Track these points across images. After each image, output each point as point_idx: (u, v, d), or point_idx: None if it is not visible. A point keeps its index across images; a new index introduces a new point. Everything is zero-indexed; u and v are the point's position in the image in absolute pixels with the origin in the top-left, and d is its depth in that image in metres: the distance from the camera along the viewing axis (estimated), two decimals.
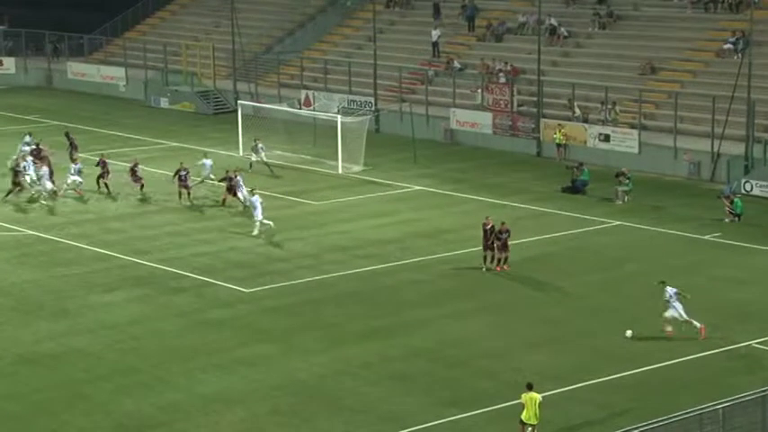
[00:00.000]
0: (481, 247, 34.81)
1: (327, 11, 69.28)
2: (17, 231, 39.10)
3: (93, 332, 29.79)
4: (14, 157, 45.31)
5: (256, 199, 38.62)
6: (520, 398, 23.67)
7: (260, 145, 47.45)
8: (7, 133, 56.77)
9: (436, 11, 62.91)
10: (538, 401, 23.44)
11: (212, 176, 43.61)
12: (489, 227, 34.71)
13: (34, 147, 46.27)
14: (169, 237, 38.57)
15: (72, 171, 43.49)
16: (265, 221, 38.47)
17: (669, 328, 29.13)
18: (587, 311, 31.45)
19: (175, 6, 76.07)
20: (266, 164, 47.01)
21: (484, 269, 34.49)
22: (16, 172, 43.00)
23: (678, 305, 29.08)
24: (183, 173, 42.39)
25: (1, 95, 68.48)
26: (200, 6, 74.79)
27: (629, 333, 29.24)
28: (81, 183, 43.40)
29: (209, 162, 44.21)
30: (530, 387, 23.70)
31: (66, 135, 48.83)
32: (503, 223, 34.98)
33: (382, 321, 30.69)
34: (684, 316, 29.08)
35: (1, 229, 39.10)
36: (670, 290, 29.22)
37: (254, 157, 47.25)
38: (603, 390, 26.27)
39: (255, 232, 38.27)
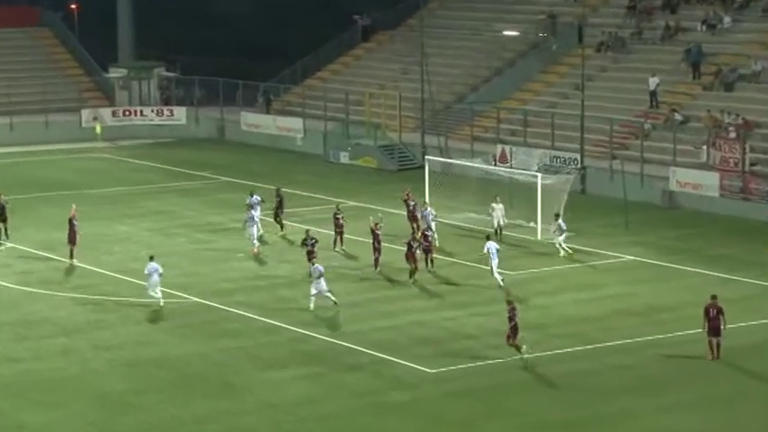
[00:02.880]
0: (703, 330, 34.13)
1: (529, 56, 69.74)
2: (182, 299, 40.65)
3: (259, 412, 30.57)
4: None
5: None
6: None
7: (493, 204, 47.73)
8: (177, 189, 59.23)
9: (691, 62, 61.01)
10: None
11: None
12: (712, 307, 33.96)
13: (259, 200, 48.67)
14: (345, 307, 39.35)
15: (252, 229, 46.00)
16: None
17: None
18: None
19: (360, 51, 78.00)
20: (499, 229, 47.50)
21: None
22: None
23: None
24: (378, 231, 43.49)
25: (170, 149, 71.50)
26: (386, 51, 76.46)
27: None
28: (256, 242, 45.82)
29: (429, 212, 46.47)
30: None
31: (277, 191, 50.27)
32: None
33: (582, 411, 30.53)
34: None
35: (164, 296, 40.68)
36: None
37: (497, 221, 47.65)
38: None
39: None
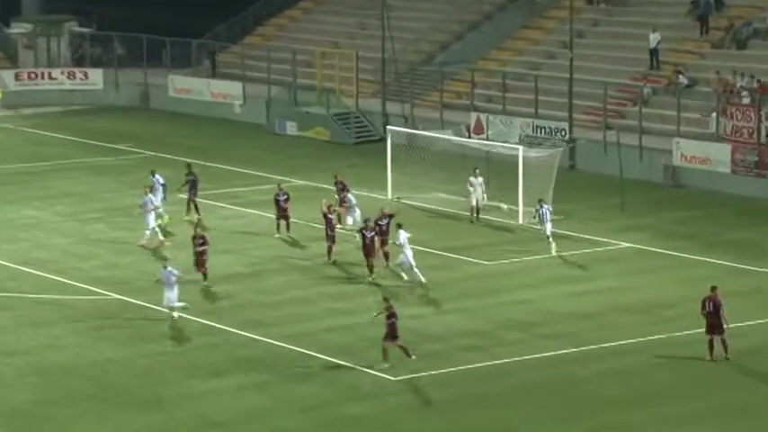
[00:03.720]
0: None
1: (508, 8, 69.92)
2: (99, 295, 40.53)
3: (193, 429, 30.58)
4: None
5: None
6: None
7: (471, 179, 47.99)
8: (92, 166, 59.07)
9: (698, 15, 61.19)
10: None
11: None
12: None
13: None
14: (294, 305, 39.39)
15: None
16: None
17: None
18: None
19: (309, 3, 77.93)
20: (477, 208, 47.96)
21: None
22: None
23: None
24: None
25: (85, 118, 71.28)
26: (340, 3, 76.46)
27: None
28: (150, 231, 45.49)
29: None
30: None
31: (188, 168, 50.05)
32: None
33: (573, 426, 30.71)
34: None
35: (79, 292, 40.55)
36: None
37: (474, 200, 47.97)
38: None
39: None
